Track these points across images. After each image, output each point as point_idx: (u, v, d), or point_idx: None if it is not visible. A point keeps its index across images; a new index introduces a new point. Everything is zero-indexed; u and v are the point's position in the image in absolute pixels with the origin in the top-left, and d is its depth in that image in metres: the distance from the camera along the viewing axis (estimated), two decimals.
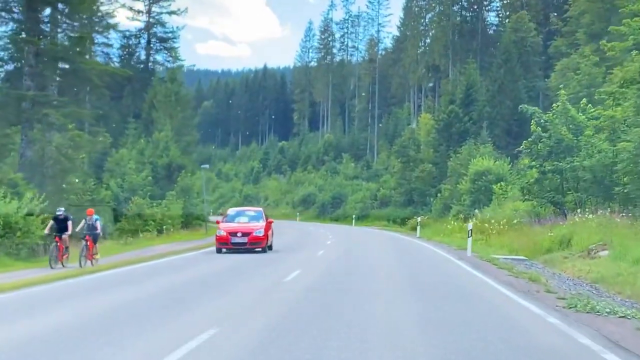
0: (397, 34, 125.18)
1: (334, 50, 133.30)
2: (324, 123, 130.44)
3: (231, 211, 31.34)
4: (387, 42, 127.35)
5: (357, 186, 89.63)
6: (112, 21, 58.49)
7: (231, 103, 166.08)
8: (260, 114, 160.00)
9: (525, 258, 22.83)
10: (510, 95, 75.27)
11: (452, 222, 39.91)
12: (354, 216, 70.18)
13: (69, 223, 21.15)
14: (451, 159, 54.13)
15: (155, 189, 50.35)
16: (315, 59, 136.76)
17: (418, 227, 42.27)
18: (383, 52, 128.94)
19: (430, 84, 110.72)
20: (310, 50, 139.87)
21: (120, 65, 71.44)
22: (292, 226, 61.76)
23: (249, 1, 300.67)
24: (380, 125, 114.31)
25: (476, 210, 41.62)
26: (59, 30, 37.35)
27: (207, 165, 48.28)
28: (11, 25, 36.56)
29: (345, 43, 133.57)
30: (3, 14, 35.95)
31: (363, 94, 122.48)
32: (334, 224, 75.37)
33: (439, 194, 54.08)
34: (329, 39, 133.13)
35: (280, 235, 34.78)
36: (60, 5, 36.19)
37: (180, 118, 61.32)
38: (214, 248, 28.15)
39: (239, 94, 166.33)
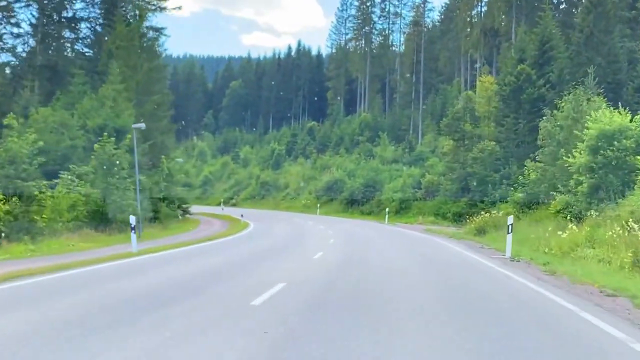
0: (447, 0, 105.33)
1: (374, 18, 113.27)
2: (361, 102, 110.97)
3: None
4: (435, 2, 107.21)
5: (396, 172, 70.19)
6: None
7: (262, 84, 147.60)
8: (294, 96, 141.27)
9: None
10: (601, 51, 55.00)
11: (572, 227, 19.82)
12: (387, 210, 50.54)
13: None
14: (544, 117, 34.00)
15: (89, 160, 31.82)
16: (352, 28, 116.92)
17: (509, 238, 20.33)
18: (430, 24, 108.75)
19: (481, 61, 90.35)
20: (348, 20, 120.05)
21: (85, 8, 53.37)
22: (297, 224, 42.75)
23: None
24: (425, 104, 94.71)
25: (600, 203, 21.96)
26: None
27: (142, 125, 29.31)
28: None
29: (387, 9, 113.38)
30: None
31: (405, 59, 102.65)
32: (363, 219, 56.21)
33: (520, 177, 34.17)
34: (368, 4, 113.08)
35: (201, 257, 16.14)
36: None
37: (146, 70, 42.72)
38: None
39: (271, 74, 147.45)
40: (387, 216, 48.79)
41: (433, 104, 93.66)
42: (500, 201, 50.21)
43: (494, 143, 54.14)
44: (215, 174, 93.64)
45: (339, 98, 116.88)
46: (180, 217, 45.47)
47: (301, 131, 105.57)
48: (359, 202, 63.07)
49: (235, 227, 38.85)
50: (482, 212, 36.98)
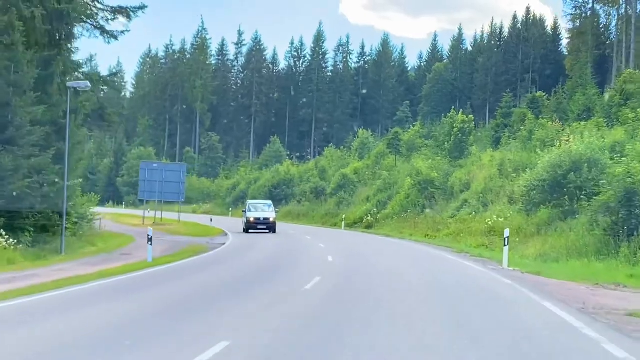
0: None
1: None
2: (621, 61, 65.49)
3: None
4: None
5: None
6: None
7: (476, 67, 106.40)
8: (519, 79, 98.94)
9: None
10: None
11: None
12: None
13: None
14: None
15: None
16: None
17: None
18: None
19: None
20: None
21: None
22: None
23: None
24: None
25: None
26: None
27: None
28: None
29: None
30: None
31: None
32: None
33: None
34: None
35: None
36: None
37: None
38: None
39: (488, 53, 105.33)
40: None
41: None
42: None
43: None
44: (362, 174, 53.48)
45: (586, 63, 72.18)
46: None
47: (519, 104, 62.10)
48: (630, 222, 18.91)
49: None
50: None
